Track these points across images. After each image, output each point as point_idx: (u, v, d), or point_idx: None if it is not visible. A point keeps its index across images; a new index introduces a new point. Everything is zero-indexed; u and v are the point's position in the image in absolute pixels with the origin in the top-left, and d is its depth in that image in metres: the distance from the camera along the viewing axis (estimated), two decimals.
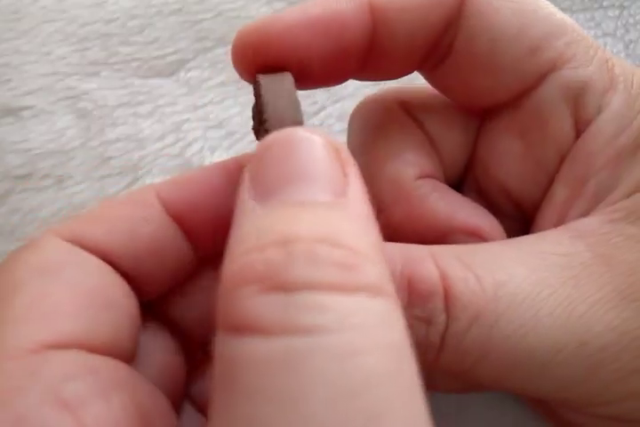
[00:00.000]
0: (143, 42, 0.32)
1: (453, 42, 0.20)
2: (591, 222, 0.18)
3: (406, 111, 0.23)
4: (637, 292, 0.17)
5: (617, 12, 0.35)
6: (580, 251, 0.17)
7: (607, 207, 0.18)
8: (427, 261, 0.17)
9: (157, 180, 0.30)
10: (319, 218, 0.12)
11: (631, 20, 0.35)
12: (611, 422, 0.18)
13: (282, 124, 0.16)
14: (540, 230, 0.20)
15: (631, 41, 0.35)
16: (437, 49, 0.20)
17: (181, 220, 0.17)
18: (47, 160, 0.30)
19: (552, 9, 0.20)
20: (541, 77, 0.20)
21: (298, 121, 0.17)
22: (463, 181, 0.23)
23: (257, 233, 0.12)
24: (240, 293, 0.11)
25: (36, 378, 0.13)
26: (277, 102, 0.17)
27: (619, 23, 0.35)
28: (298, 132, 0.14)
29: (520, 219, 0.22)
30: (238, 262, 0.12)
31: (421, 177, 0.22)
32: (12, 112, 0.31)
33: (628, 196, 0.18)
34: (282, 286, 0.11)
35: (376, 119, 0.23)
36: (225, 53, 0.33)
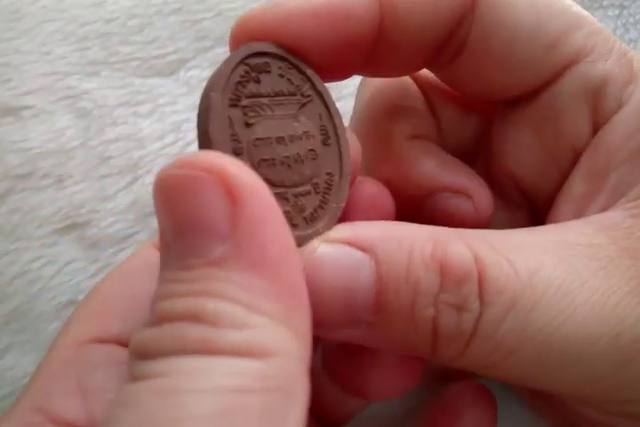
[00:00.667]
0: (143, 41, 0.32)
1: (467, 38, 0.20)
2: (613, 216, 0.18)
3: (414, 79, 0.23)
4: None
5: (617, 12, 0.35)
6: (604, 243, 0.17)
7: (629, 203, 0.18)
8: (458, 243, 0.16)
9: None
10: (192, 288, 0.13)
11: (631, 20, 0.35)
12: (633, 422, 0.18)
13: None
14: (556, 221, 0.20)
15: (631, 40, 0.35)
16: (449, 45, 0.20)
17: None
18: (47, 160, 0.30)
19: (567, 1, 0.20)
20: (560, 72, 0.20)
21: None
22: (473, 165, 0.23)
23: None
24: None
25: (67, 367, 0.16)
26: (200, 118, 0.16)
27: (618, 22, 0.35)
28: (177, 171, 0.13)
29: (528, 208, 0.23)
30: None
31: (415, 137, 0.22)
32: (11, 112, 0.31)
33: None
34: (146, 358, 0.13)
35: (382, 82, 0.23)
36: (225, 53, 0.33)
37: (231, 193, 0.12)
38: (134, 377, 0.12)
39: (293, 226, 0.16)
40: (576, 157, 0.20)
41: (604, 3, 0.35)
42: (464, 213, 0.21)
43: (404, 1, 0.18)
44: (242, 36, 0.17)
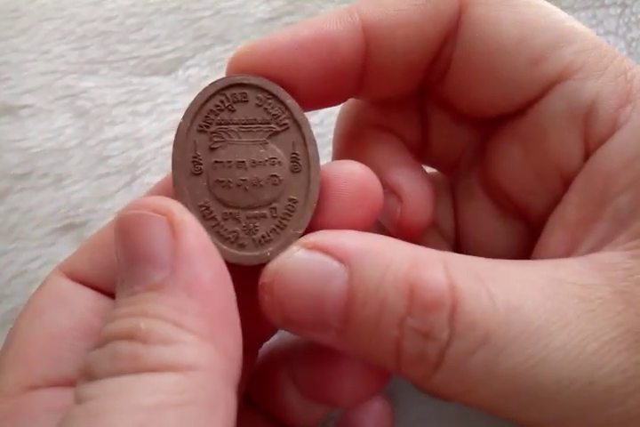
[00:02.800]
0: (142, 40, 0.32)
1: (451, 56, 0.20)
2: (614, 256, 0.17)
3: None
4: None
5: (619, 11, 0.35)
6: (599, 284, 0.16)
7: (630, 241, 0.17)
8: (436, 266, 0.16)
9: (156, 178, 0.30)
10: (132, 309, 0.15)
11: (633, 19, 0.35)
12: None
13: None
14: (550, 250, 0.19)
15: (633, 39, 0.34)
16: (436, 64, 0.20)
17: None
18: (45, 159, 0.30)
19: (560, 16, 0.19)
20: (546, 89, 0.19)
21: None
22: (471, 171, 0.23)
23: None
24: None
25: (19, 415, 0.16)
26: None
27: (620, 21, 0.35)
28: (130, 212, 0.15)
29: (521, 218, 0.22)
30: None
31: (381, 126, 0.22)
32: (10, 111, 0.30)
33: None
34: (89, 379, 0.14)
35: None
36: (223, 51, 0.33)
37: (172, 228, 0.15)
38: (76, 400, 0.14)
39: (240, 246, 0.18)
40: (564, 179, 0.19)
41: (606, 1, 0.35)
42: (391, 216, 0.21)
43: (388, 26, 0.19)
44: (236, 70, 0.18)
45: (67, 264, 0.19)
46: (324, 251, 0.16)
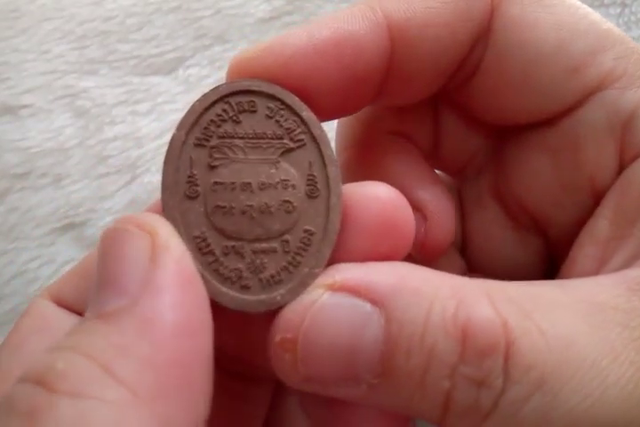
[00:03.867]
0: (142, 39, 0.32)
1: (481, 60, 0.18)
2: None
3: None
4: None
5: (618, 10, 0.35)
6: (638, 308, 0.15)
7: None
8: (484, 303, 0.14)
9: (155, 178, 0.30)
10: (66, 341, 0.12)
11: (633, 18, 0.35)
12: None
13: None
14: (579, 266, 0.18)
15: (633, 38, 0.34)
16: (461, 68, 0.18)
17: None
18: (45, 159, 0.30)
19: (596, 17, 0.18)
20: (584, 98, 0.18)
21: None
22: (481, 178, 0.22)
23: None
24: None
25: None
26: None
27: (620, 21, 0.35)
28: (115, 225, 0.13)
29: (538, 231, 0.21)
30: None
31: (396, 132, 0.20)
32: (10, 110, 0.30)
33: None
34: None
35: None
36: (223, 51, 0.33)
37: (154, 251, 0.12)
38: None
39: (243, 288, 0.14)
40: (595, 192, 0.18)
41: (606, 1, 0.35)
42: (414, 235, 0.19)
43: (417, 26, 0.17)
44: (240, 75, 0.16)
45: (54, 288, 0.17)
46: (354, 292, 0.14)
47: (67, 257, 0.28)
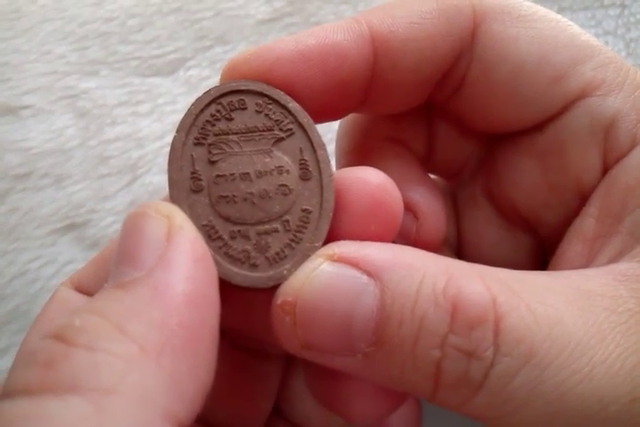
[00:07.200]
0: (142, 41, 0.32)
1: (466, 73, 0.19)
2: (634, 267, 0.16)
3: None
4: None
5: (618, 11, 0.35)
6: (625, 296, 0.15)
7: None
8: (474, 279, 0.14)
9: (156, 179, 0.30)
10: (87, 305, 0.13)
11: (632, 19, 0.35)
12: None
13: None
14: (568, 262, 0.19)
15: (632, 40, 0.34)
16: (447, 81, 0.19)
17: None
18: (46, 159, 0.30)
19: (575, 30, 0.19)
20: (567, 105, 0.19)
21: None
22: (474, 181, 0.23)
23: None
24: None
25: None
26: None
27: (619, 22, 0.35)
28: (135, 210, 0.14)
29: (530, 231, 0.22)
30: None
31: (392, 139, 0.21)
32: (11, 111, 0.31)
33: None
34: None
35: None
36: (224, 52, 0.33)
37: (170, 231, 0.14)
38: None
39: (252, 266, 0.16)
40: (581, 193, 0.19)
41: (605, 2, 0.35)
42: (406, 234, 0.20)
43: (399, 39, 0.18)
44: (231, 78, 0.17)
45: (76, 276, 0.19)
46: (352, 264, 0.15)
47: (68, 257, 0.28)
